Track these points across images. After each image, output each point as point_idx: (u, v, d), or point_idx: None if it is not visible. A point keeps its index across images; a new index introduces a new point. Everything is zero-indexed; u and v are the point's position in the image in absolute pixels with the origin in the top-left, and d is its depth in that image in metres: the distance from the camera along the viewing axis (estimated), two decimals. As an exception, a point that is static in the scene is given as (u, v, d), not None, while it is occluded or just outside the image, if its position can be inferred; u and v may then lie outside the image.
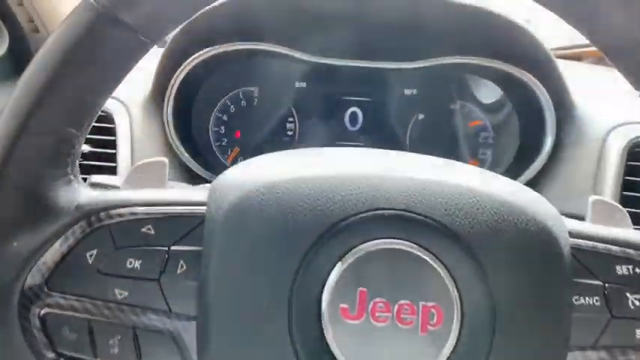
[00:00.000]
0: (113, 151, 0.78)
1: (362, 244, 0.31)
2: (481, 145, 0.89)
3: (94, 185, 0.56)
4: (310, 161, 0.37)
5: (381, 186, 0.33)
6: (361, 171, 0.34)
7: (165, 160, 0.46)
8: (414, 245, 0.31)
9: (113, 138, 0.78)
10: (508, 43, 0.76)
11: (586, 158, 0.75)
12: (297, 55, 0.82)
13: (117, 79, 0.36)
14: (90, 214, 0.35)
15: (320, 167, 0.35)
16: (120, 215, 0.35)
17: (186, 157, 0.78)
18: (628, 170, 0.71)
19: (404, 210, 0.32)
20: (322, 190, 0.32)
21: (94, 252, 0.34)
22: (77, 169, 0.38)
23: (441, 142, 0.89)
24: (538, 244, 0.32)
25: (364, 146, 0.90)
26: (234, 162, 0.89)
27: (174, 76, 0.78)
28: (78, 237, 0.34)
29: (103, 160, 0.77)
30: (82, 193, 0.37)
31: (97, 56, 0.33)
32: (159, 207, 0.35)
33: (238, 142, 0.89)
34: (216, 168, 0.85)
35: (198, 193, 0.37)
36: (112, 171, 0.77)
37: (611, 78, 0.88)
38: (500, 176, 0.39)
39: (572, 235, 0.34)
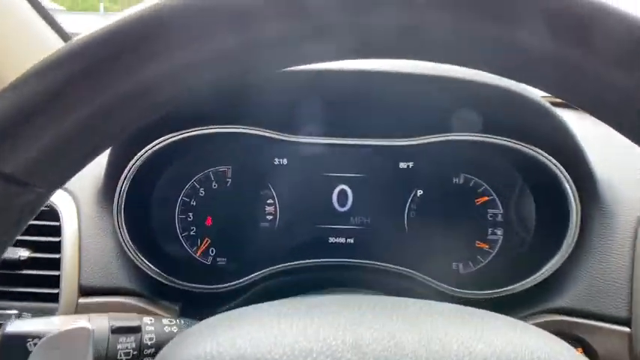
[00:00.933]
0: (57, 255, 0.65)
1: None
2: (490, 223, 0.78)
3: (8, 339, 0.45)
4: (280, 345, 0.26)
5: None
6: None
7: (89, 327, 0.35)
8: None
9: (58, 239, 0.66)
10: (519, 119, 0.65)
11: (616, 247, 0.65)
12: (276, 136, 0.71)
13: (6, 241, 0.27)
14: None
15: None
16: None
17: (142, 263, 0.65)
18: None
19: None
20: None
21: None
22: None
23: (445, 221, 0.78)
24: None
25: (355, 229, 0.78)
26: (205, 255, 0.77)
27: (129, 166, 0.66)
28: None
29: (43, 268, 0.65)
30: None
31: None
32: None
33: (209, 231, 0.77)
34: (182, 267, 0.73)
35: None
36: (55, 282, 0.64)
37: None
38: (550, 341, 0.29)
39: None
